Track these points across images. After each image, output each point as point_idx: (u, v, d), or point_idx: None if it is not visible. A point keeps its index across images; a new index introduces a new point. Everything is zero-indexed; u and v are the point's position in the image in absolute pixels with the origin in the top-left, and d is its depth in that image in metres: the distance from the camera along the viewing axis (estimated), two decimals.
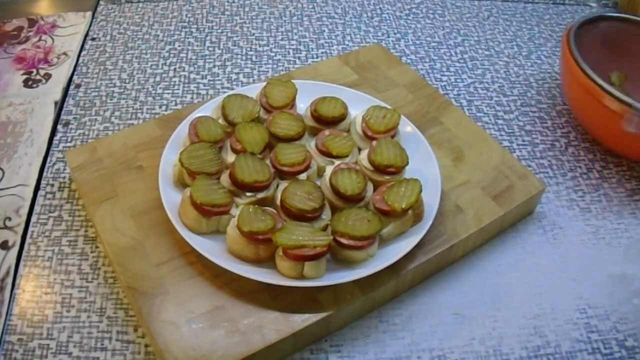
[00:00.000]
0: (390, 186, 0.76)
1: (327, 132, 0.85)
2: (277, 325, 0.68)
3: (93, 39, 1.15)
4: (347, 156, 0.82)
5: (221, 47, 1.14)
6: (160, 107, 1.01)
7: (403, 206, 0.73)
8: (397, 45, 1.17)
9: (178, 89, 1.04)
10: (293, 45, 1.16)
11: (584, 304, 0.77)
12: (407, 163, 0.80)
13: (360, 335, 0.73)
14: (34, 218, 0.83)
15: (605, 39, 1.00)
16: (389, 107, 0.89)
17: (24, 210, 0.85)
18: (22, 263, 0.78)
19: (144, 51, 1.12)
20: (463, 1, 1.31)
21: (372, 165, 0.80)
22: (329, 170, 0.79)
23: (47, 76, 1.07)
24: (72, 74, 1.07)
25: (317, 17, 1.23)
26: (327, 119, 0.86)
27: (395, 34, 1.20)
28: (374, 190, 0.79)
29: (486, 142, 0.90)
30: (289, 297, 0.70)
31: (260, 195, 0.77)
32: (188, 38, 1.16)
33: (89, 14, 1.21)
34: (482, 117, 1.02)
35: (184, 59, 1.11)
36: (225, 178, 0.78)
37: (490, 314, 0.75)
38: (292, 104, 0.89)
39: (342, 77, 1.00)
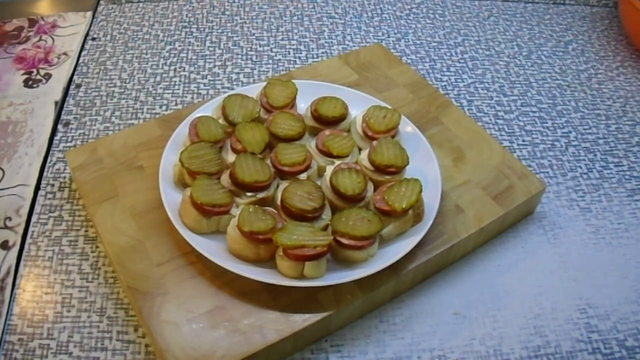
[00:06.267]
0: (390, 186, 0.76)
1: (327, 132, 0.85)
2: (277, 325, 0.68)
3: (93, 39, 1.15)
4: (347, 156, 0.82)
5: (221, 47, 1.14)
6: (160, 107, 1.01)
7: (403, 206, 0.73)
8: (397, 45, 1.17)
9: (178, 89, 1.04)
10: (293, 45, 1.16)
11: (584, 304, 0.77)
12: (408, 163, 0.80)
13: (360, 335, 0.73)
14: (34, 218, 0.83)
15: None
16: (389, 107, 0.89)
17: (24, 210, 0.85)
18: (22, 263, 0.78)
19: (144, 51, 1.12)
20: (463, 1, 1.31)
21: (373, 165, 0.80)
22: (329, 170, 0.79)
23: (48, 76, 1.07)
24: (73, 74, 1.07)
25: (317, 17, 1.23)
26: (327, 119, 0.86)
27: (395, 34, 1.20)
28: (374, 190, 0.79)
29: (486, 142, 0.90)
30: (289, 297, 0.70)
31: (260, 195, 0.77)
32: (188, 38, 1.16)
33: (89, 13, 1.21)
34: (483, 117, 1.02)
35: (185, 59, 1.11)
36: (225, 178, 0.78)
37: (491, 314, 0.75)
38: (292, 104, 0.89)
39: (342, 77, 0.99)
